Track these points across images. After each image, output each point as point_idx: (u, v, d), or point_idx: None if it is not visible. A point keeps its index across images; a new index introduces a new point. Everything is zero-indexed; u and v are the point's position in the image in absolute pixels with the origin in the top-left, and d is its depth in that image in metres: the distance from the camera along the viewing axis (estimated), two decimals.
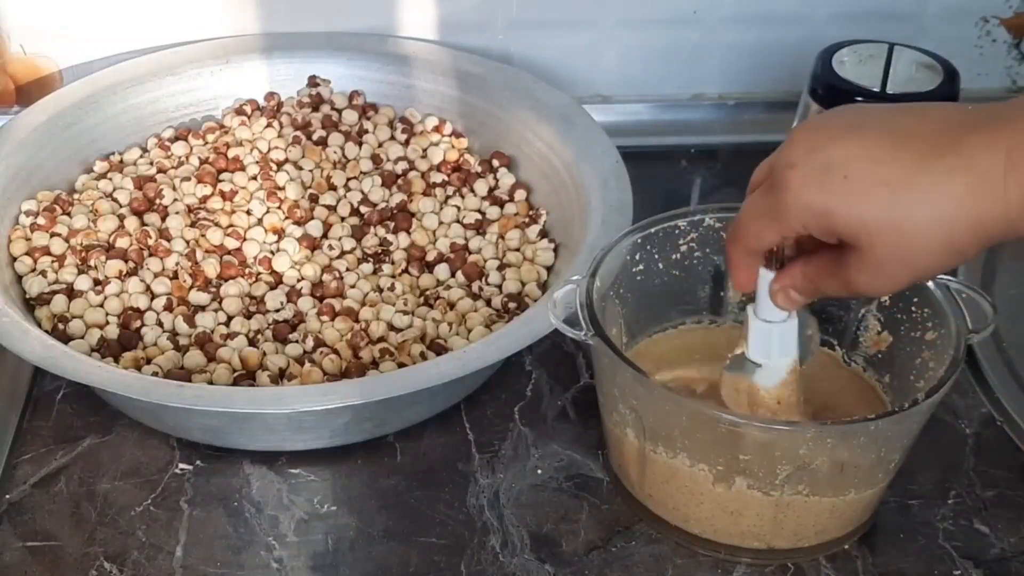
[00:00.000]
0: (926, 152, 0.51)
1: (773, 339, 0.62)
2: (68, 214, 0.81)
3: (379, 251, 0.81)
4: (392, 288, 0.78)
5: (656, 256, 0.70)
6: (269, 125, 0.89)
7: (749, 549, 0.65)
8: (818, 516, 0.63)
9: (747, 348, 0.62)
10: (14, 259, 0.78)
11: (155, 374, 0.71)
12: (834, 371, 0.71)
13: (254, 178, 0.85)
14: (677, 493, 0.65)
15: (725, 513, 0.64)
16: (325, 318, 0.75)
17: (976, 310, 0.64)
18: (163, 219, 0.81)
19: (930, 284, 0.65)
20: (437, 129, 0.90)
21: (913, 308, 0.66)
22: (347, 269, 0.79)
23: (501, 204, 0.84)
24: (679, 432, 0.62)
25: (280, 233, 0.81)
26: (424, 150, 0.88)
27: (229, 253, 0.79)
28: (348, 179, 0.86)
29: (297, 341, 0.74)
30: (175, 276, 0.77)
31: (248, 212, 0.82)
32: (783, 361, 0.62)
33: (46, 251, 0.78)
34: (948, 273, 0.67)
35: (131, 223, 0.80)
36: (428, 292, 0.78)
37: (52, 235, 0.79)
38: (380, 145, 0.89)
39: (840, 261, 0.54)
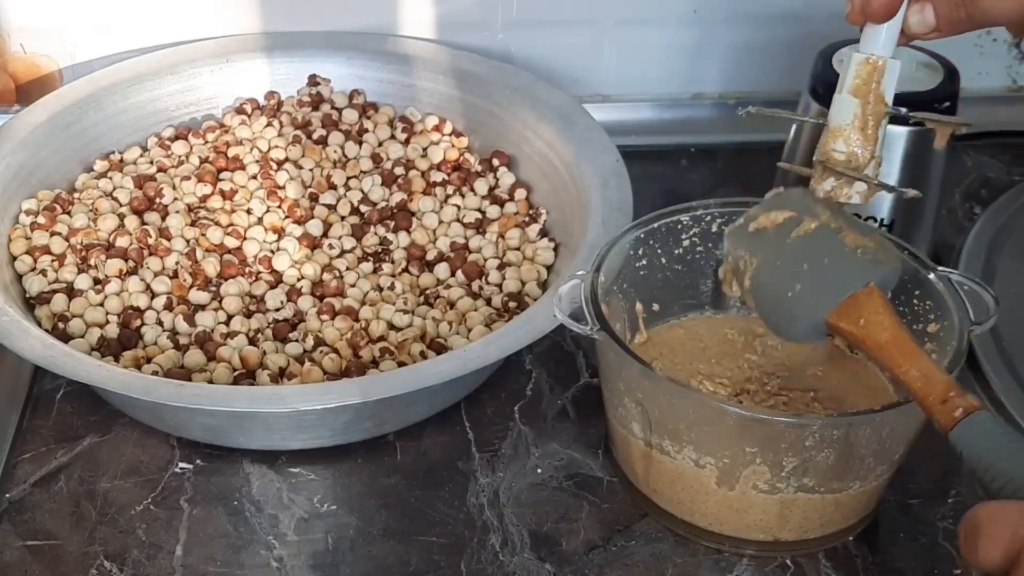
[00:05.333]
0: None
1: None
2: (68, 213, 0.81)
3: (379, 250, 0.81)
4: (392, 287, 0.78)
5: (659, 251, 0.71)
6: (269, 124, 0.89)
7: (755, 541, 0.65)
8: (823, 510, 0.63)
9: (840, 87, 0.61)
10: (14, 258, 0.78)
11: (155, 373, 0.71)
12: (839, 363, 0.71)
13: (254, 177, 0.84)
14: (683, 492, 0.65)
15: (731, 510, 0.64)
16: (325, 317, 0.75)
17: (978, 302, 0.64)
18: (163, 218, 0.81)
19: (931, 276, 0.66)
20: (437, 128, 0.90)
21: (915, 301, 0.66)
22: (347, 268, 0.79)
23: (501, 203, 0.84)
24: (685, 425, 0.62)
25: (280, 232, 0.81)
26: (424, 149, 0.88)
27: (229, 252, 0.79)
28: (348, 178, 0.86)
29: (297, 340, 0.74)
30: (175, 275, 0.77)
31: (248, 211, 0.82)
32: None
33: (46, 250, 0.78)
34: (949, 266, 0.67)
35: (131, 222, 0.80)
36: (428, 291, 0.78)
37: (52, 234, 0.79)
38: (380, 144, 0.89)
39: None
